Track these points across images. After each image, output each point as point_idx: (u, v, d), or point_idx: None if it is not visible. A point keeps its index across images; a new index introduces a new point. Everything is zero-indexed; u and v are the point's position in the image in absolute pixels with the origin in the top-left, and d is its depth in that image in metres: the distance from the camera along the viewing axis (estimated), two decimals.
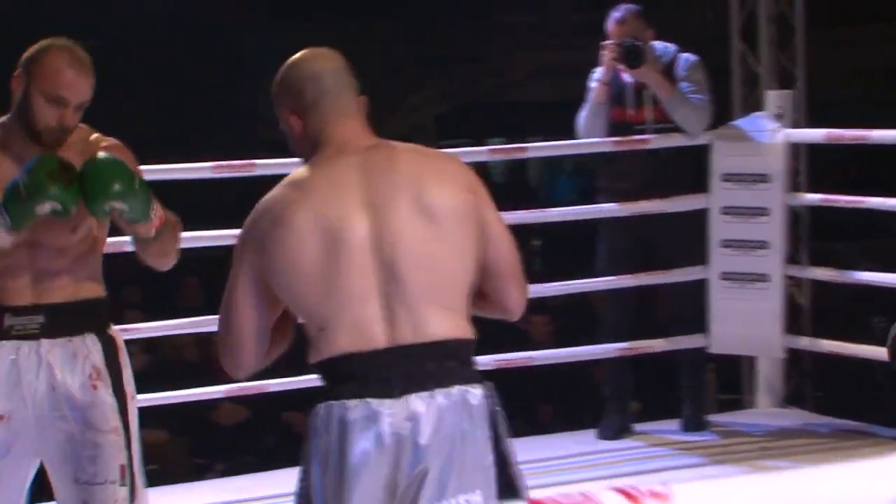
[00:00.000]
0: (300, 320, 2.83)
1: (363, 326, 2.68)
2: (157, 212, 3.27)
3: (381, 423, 2.65)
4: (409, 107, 14.20)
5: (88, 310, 3.40)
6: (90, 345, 3.38)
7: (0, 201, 3.16)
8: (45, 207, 3.14)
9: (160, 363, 7.68)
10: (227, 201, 12.10)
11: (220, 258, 10.82)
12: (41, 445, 3.36)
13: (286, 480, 5.47)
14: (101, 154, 3.23)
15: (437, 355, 2.69)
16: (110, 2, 15.65)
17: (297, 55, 2.94)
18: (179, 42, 15.74)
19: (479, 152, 6.36)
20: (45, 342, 3.33)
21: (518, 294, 2.86)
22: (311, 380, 5.68)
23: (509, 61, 14.82)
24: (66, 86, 3.27)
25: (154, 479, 3.92)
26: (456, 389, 2.69)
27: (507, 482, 2.75)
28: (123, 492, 3.38)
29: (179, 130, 13.21)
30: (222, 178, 5.49)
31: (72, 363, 3.34)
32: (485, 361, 5.91)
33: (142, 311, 8.03)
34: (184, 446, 7.61)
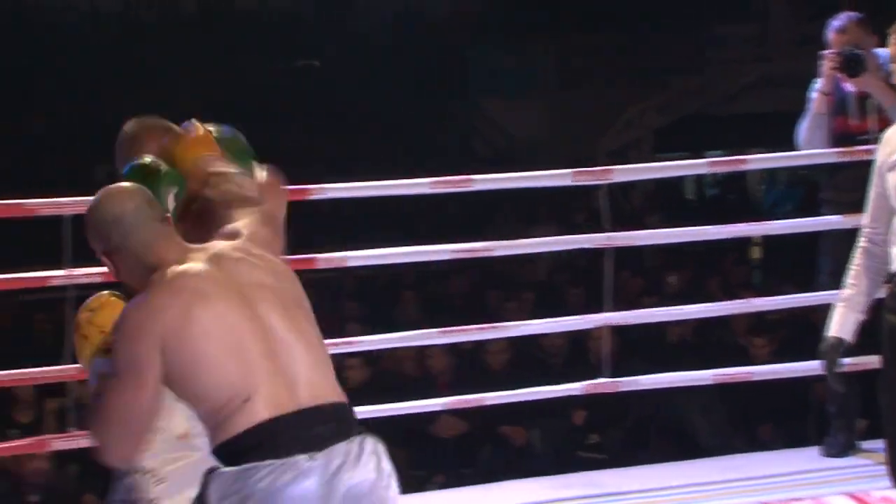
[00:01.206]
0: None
1: (273, 397, 2.88)
2: None
3: (312, 476, 2.84)
4: (625, 121, 14.11)
5: None
6: None
7: None
8: None
9: (380, 376, 7.78)
10: (445, 216, 12.28)
11: (437, 272, 10.95)
12: None
13: (503, 495, 5.54)
14: None
15: (340, 413, 2.94)
16: (333, 21, 15.99)
17: (98, 196, 3.09)
18: (401, 58, 15.97)
19: (699, 165, 6.29)
20: None
21: None
22: (531, 393, 5.77)
23: (728, 73, 14.62)
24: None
25: None
26: (369, 438, 2.95)
27: None
28: None
29: (399, 145, 13.38)
30: (439, 193, 5.53)
31: None
32: (704, 376, 5.89)
33: (361, 324, 8.16)
34: (402, 458, 7.68)
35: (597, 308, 6.01)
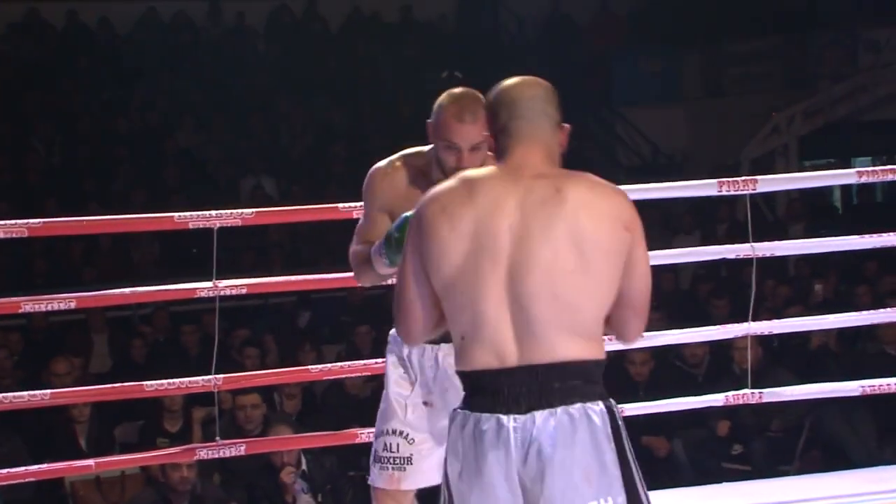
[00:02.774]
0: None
1: (497, 347, 2.87)
2: None
3: (509, 438, 2.84)
4: (771, 128, 13.93)
5: None
6: None
7: (384, 238, 3.70)
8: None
9: None
10: None
11: None
12: None
13: None
14: None
15: (562, 375, 2.86)
16: (477, 30, 16.05)
17: (506, 81, 3.09)
18: (545, 67, 15.97)
19: (847, 175, 6.21)
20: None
21: (638, 326, 3.04)
22: (673, 404, 5.74)
23: (880, 78, 14.36)
24: (456, 134, 3.75)
25: None
26: (578, 406, 2.85)
27: (633, 496, 2.87)
28: None
29: None
30: None
31: None
32: (851, 387, 5.79)
33: None
34: None
35: (740, 317, 5.95)
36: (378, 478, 3.92)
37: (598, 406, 2.87)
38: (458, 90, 3.85)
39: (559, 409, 2.84)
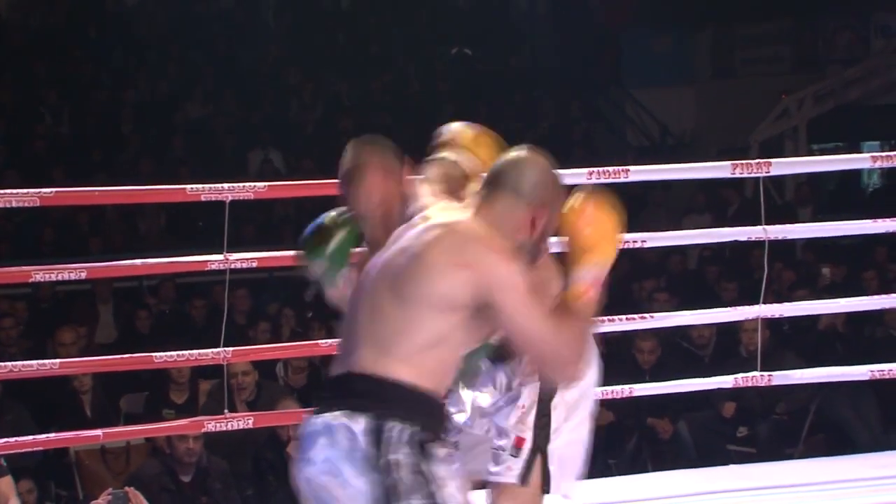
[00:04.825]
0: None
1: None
2: None
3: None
4: (780, 110, 13.89)
5: None
6: None
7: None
8: None
9: None
10: None
11: None
12: None
13: (649, 486, 5.52)
14: None
15: (357, 389, 2.93)
16: (487, 8, 16.01)
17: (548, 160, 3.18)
18: (556, 45, 15.94)
19: (861, 159, 6.20)
20: None
21: (548, 366, 3.04)
22: (681, 385, 5.73)
23: (889, 62, 14.31)
24: (346, 195, 3.61)
25: None
26: (352, 417, 2.90)
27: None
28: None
29: (550, 134, 13.34)
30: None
31: None
32: (860, 371, 5.79)
33: None
34: None
35: (747, 300, 5.94)
36: None
37: (361, 421, 2.89)
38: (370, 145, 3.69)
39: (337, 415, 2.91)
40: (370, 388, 2.91)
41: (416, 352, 2.92)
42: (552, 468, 3.67)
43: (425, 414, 2.91)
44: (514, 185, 3.08)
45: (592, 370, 3.76)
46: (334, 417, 2.91)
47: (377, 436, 2.87)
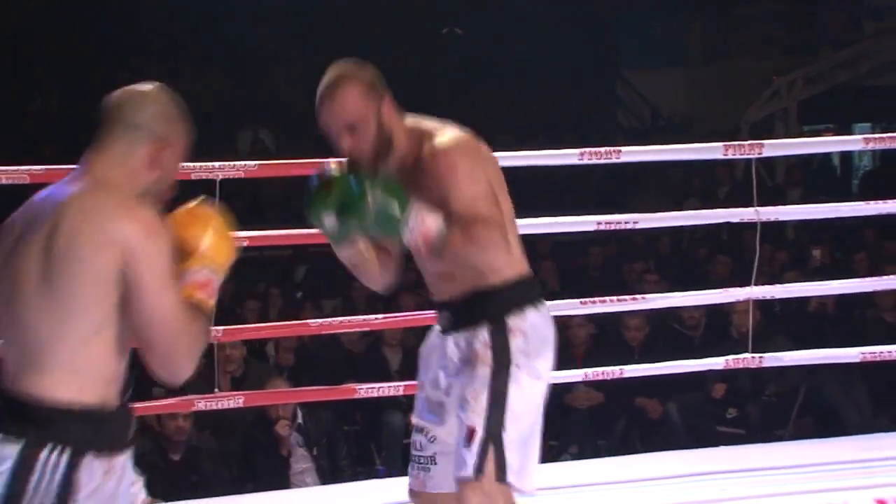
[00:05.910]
0: None
1: None
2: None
3: None
4: (771, 92, 13.90)
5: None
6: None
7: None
8: None
9: None
10: (584, 187, 12.23)
11: (573, 244, 10.87)
12: None
13: (638, 467, 5.52)
14: None
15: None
16: None
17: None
18: (548, 28, 15.91)
19: (853, 141, 6.20)
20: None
21: (156, 363, 2.77)
22: (671, 366, 5.73)
23: (882, 44, 14.31)
24: (323, 122, 3.48)
25: None
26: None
27: None
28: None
29: (540, 115, 13.34)
30: (586, 164, 5.48)
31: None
32: (851, 354, 5.79)
33: None
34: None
35: (738, 281, 5.94)
36: (409, 478, 3.61)
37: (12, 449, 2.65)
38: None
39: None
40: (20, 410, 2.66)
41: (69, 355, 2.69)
42: (508, 455, 3.35)
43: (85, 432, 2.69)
44: (132, 119, 2.83)
45: (550, 352, 3.50)
46: None
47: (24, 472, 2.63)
